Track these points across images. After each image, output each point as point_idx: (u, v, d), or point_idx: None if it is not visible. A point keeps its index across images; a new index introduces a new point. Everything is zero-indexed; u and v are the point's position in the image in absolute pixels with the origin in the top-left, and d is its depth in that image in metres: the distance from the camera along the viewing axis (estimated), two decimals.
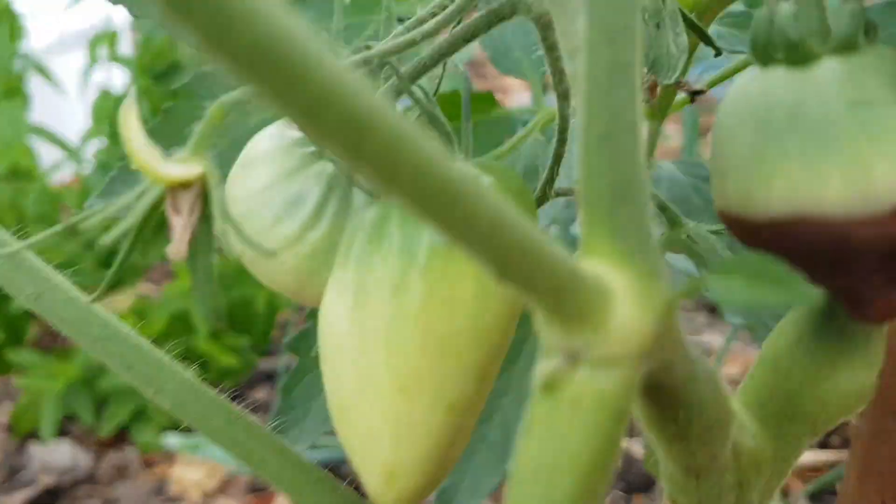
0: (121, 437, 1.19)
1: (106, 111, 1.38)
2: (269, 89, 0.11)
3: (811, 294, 0.15)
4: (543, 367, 0.17)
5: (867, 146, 0.18)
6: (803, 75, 0.19)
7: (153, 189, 0.19)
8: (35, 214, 1.35)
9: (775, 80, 0.20)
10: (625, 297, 0.17)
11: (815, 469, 0.97)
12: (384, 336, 0.24)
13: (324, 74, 0.11)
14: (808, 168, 0.19)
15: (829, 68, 0.19)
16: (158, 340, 1.01)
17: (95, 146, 1.32)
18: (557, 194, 0.34)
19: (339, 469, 0.87)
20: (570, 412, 0.16)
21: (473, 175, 0.23)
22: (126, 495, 1.09)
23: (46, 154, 1.43)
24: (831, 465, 0.96)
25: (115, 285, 1.06)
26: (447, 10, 0.25)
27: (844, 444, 1.06)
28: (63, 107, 1.53)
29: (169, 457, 1.15)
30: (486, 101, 0.47)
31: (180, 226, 0.19)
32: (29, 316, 1.28)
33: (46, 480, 1.07)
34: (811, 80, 0.19)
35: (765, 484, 0.23)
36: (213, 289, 0.20)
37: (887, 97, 0.19)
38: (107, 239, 0.19)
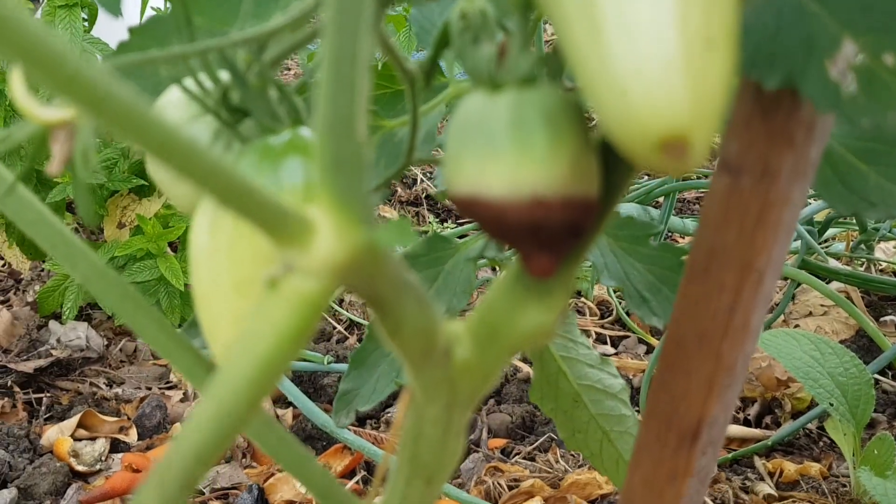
0: None
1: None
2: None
3: (412, 239, 0.24)
4: (269, 271, 0.26)
5: (515, 155, 0.27)
6: (490, 99, 0.28)
7: (30, 128, 0.29)
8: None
9: (475, 100, 0.28)
10: (328, 233, 0.26)
11: (741, 441, 1.06)
12: (227, 249, 0.34)
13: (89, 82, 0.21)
14: (480, 165, 0.27)
15: (505, 96, 0.28)
16: (178, 245, 1.16)
17: None
18: (419, 162, 0.43)
19: (317, 381, 0.99)
20: (278, 301, 0.26)
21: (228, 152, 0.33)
22: (130, 377, 1.22)
23: None
24: (757, 441, 1.04)
25: (145, 192, 1.18)
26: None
27: (776, 423, 1.14)
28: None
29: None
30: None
31: (57, 152, 0.28)
32: (64, 208, 1.41)
33: (59, 354, 1.20)
34: (492, 103, 0.28)
35: (472, 384, 0.32)
36: (88, 198, 0.30)
37: (537, 120, 0.27)
38: None
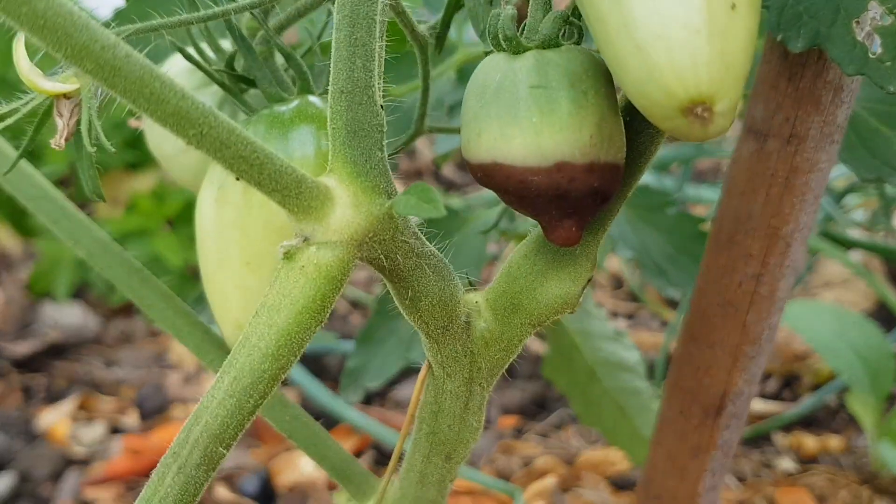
0: (129, 308, 1.29)
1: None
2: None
3: (440, 209, 0.23)
4: (286, 243, 0.25)
5: (538, 118, 0.26)
6: (510, 62, 0.27)
7: (35, 99, 0.28)
8: None
9: (494, 63, 0.27)
10: (345, 203, 0.25)
11: (761, 416, 1.05)
12: (236, 223, 0.32)
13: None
14: (501, 130, 0.26)
15: (526, 59, 0.26)
16: (174, 221, 1.13)
17: None
18: (430, 130, 0.42)
19: (321, 360, 0.97)
20: (297, 273, 0.25)
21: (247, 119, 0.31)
22: (128, 358, 1.20)
23: None
24: (776, 415, 1.04)
25: (138, 166, 1.16)
26: None
27: (794, 397, 1.14)
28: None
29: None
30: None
31: (61, 125, 0.27)
32: (56, 185, 1.39)
33: (53, 336, 1.18)
34: (512, 66, 0.27)
35: (493, 357, 0.31)
36: (93, 172, 0.29)
37: (561, 83, 0.26)
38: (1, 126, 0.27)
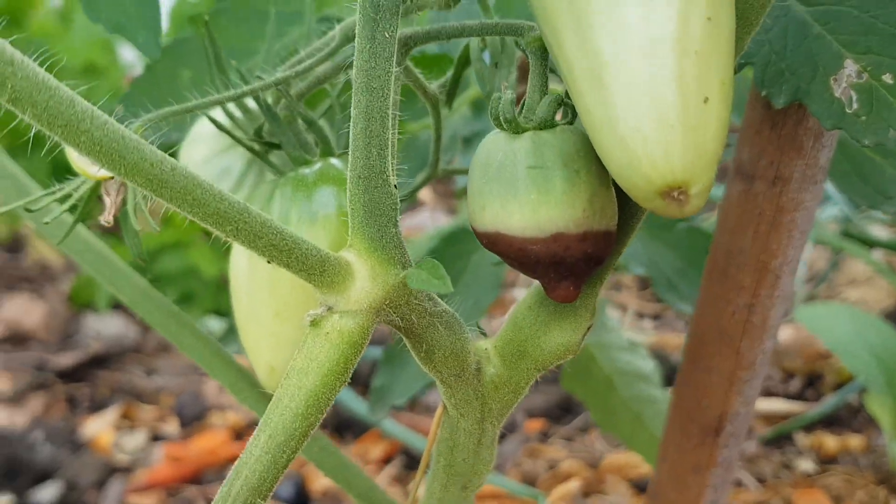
0: None
1: (182, 15, 1.46)
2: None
3: (448, 286, 0.26)
4: (312, 312, 0.28)
5: (535, 196, 0.29)
6: (510, 142, 0.30)
7: (86, 183, 0.31)
8: (106, 110, 1.48)
9: (496, 143, 0.30)
10: (364, 276, 0.28)
11: (783, 416, 1.07)
12: (267, 279, 0.36)
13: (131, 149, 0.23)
14: (503, 205, 0.29)
15: (524, 140, 0.30)
16: (209, 233, 1.14)
17: None
18: (444, 173, 0.45)
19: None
20: (322, 339, 0.28)
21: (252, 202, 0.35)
22: (167, 366, 1.25)
23: (127, 51, 1.52)
24: (798, 415, 1.06)
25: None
26: (331, 46, 0.36)
27: (817, 396, 1.15)
28: None
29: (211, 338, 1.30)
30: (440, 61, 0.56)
31: (108, 203, 0.30)
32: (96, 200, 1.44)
33: (95, 346, 1.23)
34: (512, 146, 0.30)
35: (502, 399, 0.34)
36: (138, 241, 0.32)
37: (555, 163, 0.29)
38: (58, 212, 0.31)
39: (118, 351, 1.26)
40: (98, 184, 0.32)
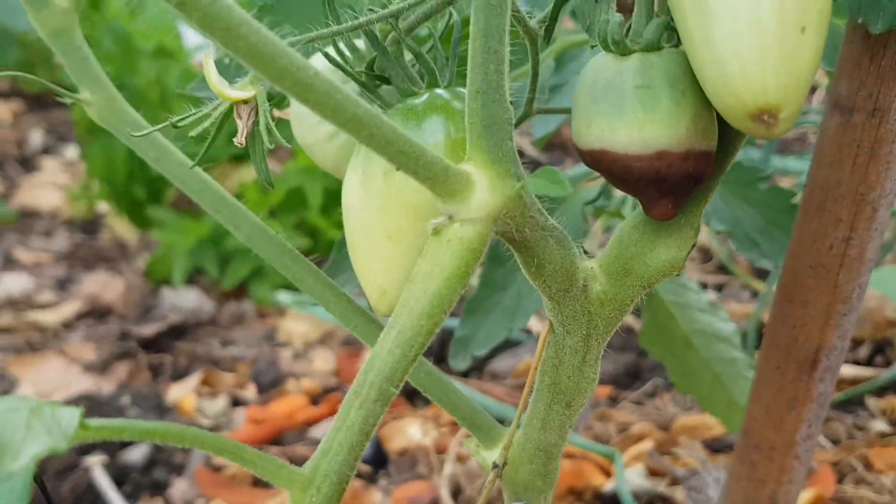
0: (240, 291, 1.38)
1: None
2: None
3: (566, 188, 0.27)
4: (434, 221, 0.30)
5: (642, 114, 0.30)
6: (617, 63, 0.31)
7: (221, 105, 0.33)
8: (176, 91, 1.52)
9: (603, 63, 0.31)
10: (483, 187, 0.30)
11: (853, 381, 1.06)
12: (378, 203, 0.37)
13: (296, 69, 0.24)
14: (609, 122, 0.30)
15: (632, 61, 0.31)
16: (277, 210, 1.21)
17: None
18: (538, 111, 0.46)
19: None
20: (444, 245, 0.29)
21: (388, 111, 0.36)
22: (241, 338, 1.28)
23: (192, 36, 1.56)
24: (868, 380, 1.05)
25: (243, 159, 1.25)
26: None
27: (887, 363, 1.14)
28: None
29: (280, 310, 1.33)
30: None
31: (241, 125, 0.32)
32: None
33: (173, 318, 1.27)
34: (619, 67, 0.31)
35: (608, 316, 0.35)
36: (266, 166, 0.34)
37: (662, 83, 0.30)
38: (196, 132, 0.33)
39: (195, 323, 1.29)
40: (231, 107, 0.33)
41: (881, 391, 1.01)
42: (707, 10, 0.27)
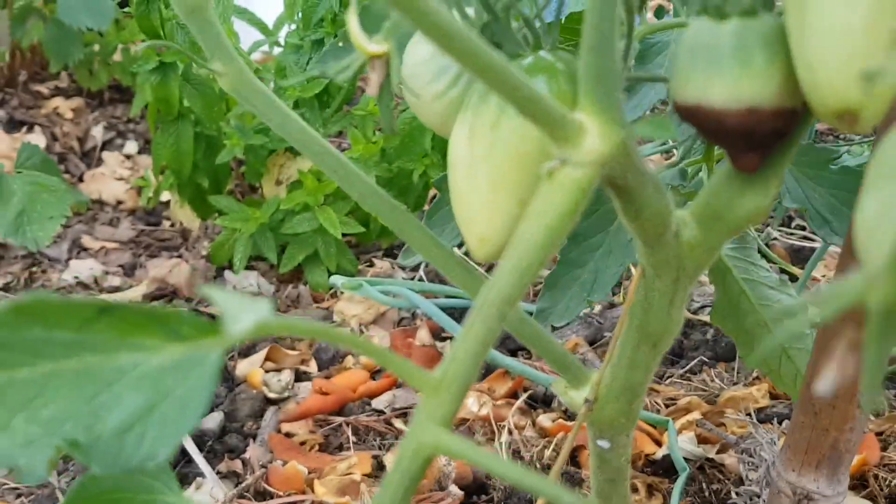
0: (296, 275, 1.42)
1: (296, 1, 1.53)
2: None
3: (675, 133, 0.31)
4: (548, 164, 0.33)
5: (737, 73, 0.33)
6: (718, 26, 0.34)
7: (358, 59, 0.37)
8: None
9: (702, 25, 0.35)
10: (594, 134, 0.33)
11: (892, 360, 1.08)
12: (484, 153, 0.41)
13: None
14: (705, 80, 0.34)
15: (730, 24, 0.34)
16: (330, 197, 1.25)
17: (286, 30, 1.51)
18: (630, 79, 0.49)
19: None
20: (557, 186, 0.33)
21: (526, 63, 0.39)
22: (299, 318, 1.33)
23: (246, 35, 1.60)
24: None
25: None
26: None
27: None
28: None
29: (334, 294, 1.37)
30: None
31: (374, 78, 0.36)
32: (229, 169, 1.53)
33: None
34: (719, 30, 0.34)
35: (697, 259, 0.39)
36: (391, 115, 0.38)
37: (756, 44, 0.33)
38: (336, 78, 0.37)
39: None
40: (365, 61, 0.37)
41: None
42: (804, 21, 0.31)
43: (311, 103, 1.36)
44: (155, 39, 1.30)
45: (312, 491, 0.84)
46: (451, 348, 0.31)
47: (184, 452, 0.92)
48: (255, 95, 0.45)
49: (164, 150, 1.39)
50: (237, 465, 0.92)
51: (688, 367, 1.09)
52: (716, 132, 0.35)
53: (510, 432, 0.93)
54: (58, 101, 1.99)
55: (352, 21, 0.36)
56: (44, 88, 2.06)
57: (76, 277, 1.42)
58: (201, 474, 0.88)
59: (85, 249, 1.52)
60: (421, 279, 1.38)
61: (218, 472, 0.89)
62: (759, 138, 0.35)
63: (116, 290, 1.40)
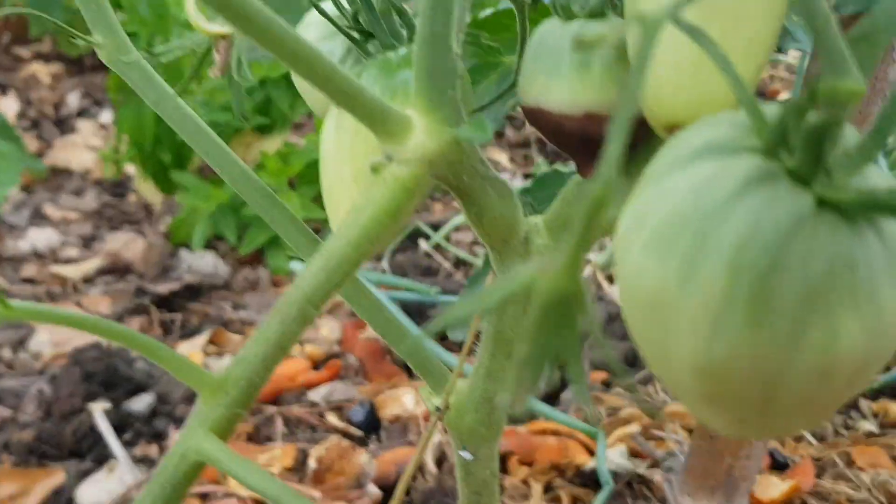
0: (256, 258, 1.41)
1: None
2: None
3: (488, 135, 0.29)
4: (373, 159, 0.32)
5: (574, 77, 0.32)
6: (562, 27, 0.33)
7: (206, 39, 0.35)
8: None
9: (551, 27, 0.33)
10: (421, 131, 0.31)
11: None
12: (349, 148, 0.39)
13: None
14: (546, 83, 0.32)
15: (573, 25, 0.32)
16: (297, 181, 1.24)
17: None
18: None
19: (426, 311, 1.05)
20: (380, 182, 0.31)
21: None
22: (253, 303, 1.31)
23: None
24: None
25: (267, 130, 1.27)
26: None
27: (885, 368, 1.14)
28: None
29: (293, 280, 1.36)
30: None
31: (219, 59, 0.34)
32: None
33: (189, 279, 1.30)
34: (563, 30, 0.32)
35: None
36: (241, 100, 0.36)
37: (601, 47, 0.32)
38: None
39: (209, 285, 1.33)
40: (210, 45, 0.35)
41: (876, 394, 1.01)
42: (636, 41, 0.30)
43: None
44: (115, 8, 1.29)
45: (227, 482, 0.82)
46: (241, 349, 0.29)
47: (95, 435, 0.91)
48: (131, 69, 0.43)
49: (126, 121, 1.38)
50: (153, 450, 0.90)
51: (637, 377, 1.08)
52: (557, 136, 0.33)
53: (442, 433, 0.92)
54: (37, 66, 1.97)
55: (188, 1, 0.34)
56: (25, 52, 2.04)
57: (33, 246, 1.40)
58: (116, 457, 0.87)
59: (46, 218, 1.51)
60: (384, 271, 1.37)
61: (133, 457, 0.88)
62: (599, 145, 0.33)
63: (71, 261, 1.38)
